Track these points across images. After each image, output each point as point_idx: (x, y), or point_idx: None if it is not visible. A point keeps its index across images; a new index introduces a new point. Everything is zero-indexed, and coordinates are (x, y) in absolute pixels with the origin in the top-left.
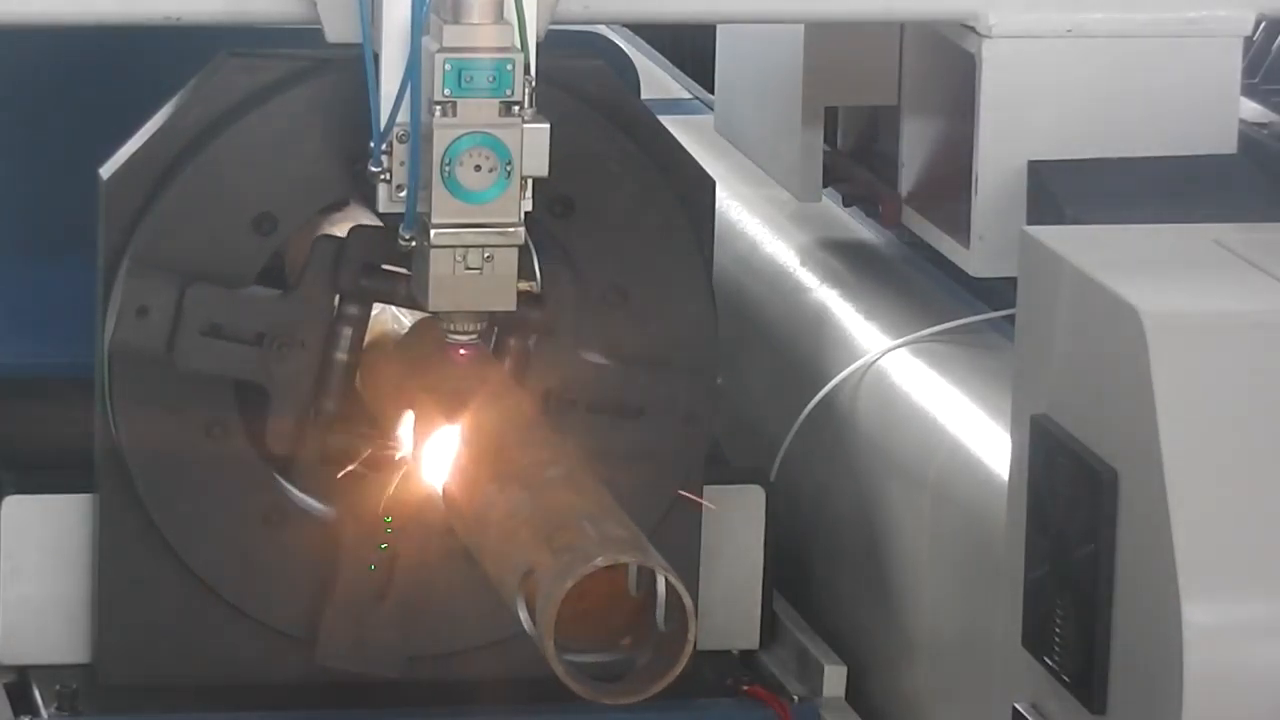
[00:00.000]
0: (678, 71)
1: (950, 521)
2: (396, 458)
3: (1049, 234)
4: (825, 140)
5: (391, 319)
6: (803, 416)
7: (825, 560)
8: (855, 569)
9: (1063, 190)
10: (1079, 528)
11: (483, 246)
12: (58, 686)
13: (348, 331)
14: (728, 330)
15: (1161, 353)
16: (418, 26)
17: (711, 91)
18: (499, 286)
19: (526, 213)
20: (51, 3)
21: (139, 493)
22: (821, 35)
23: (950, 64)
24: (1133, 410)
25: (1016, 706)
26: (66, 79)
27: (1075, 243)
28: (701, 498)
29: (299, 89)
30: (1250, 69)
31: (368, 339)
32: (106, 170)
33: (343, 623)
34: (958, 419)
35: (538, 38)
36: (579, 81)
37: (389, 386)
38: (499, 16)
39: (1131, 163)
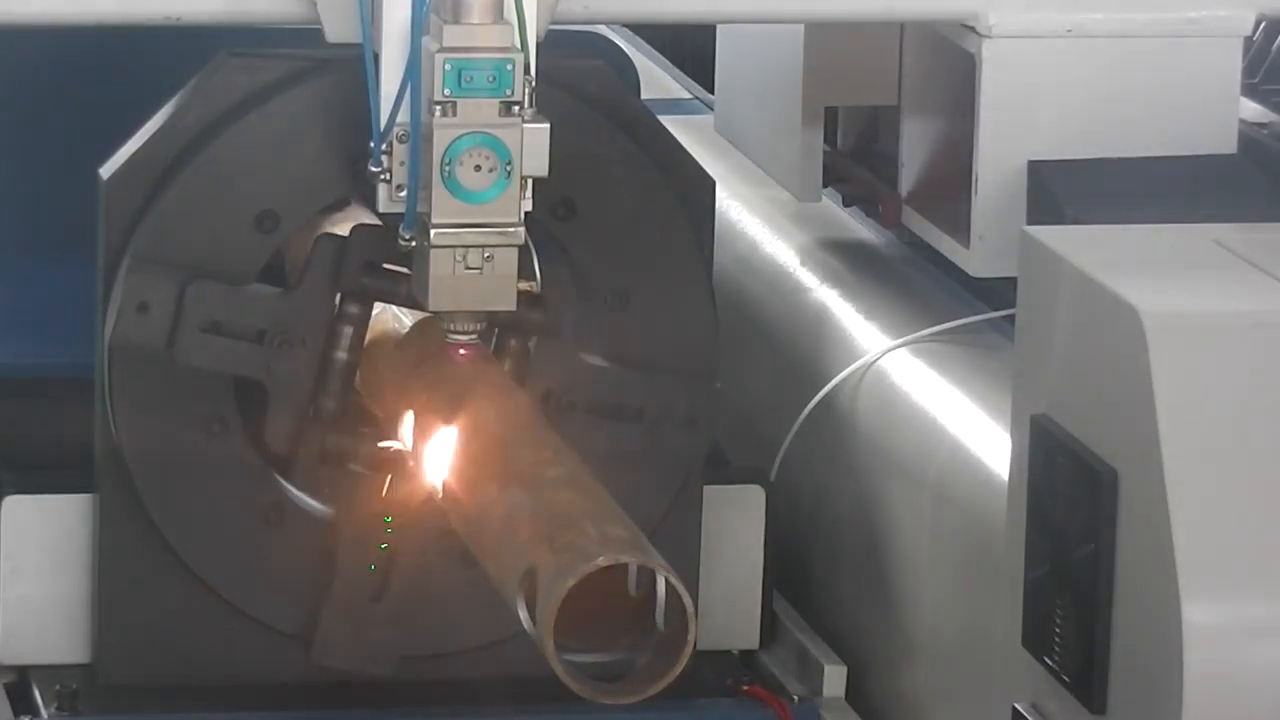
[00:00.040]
0: (678, 71)
1: (950, 521)
2: (395, 457)
3: (1049, 234)
4: (825, 140)
5: (392, 318)
6: (803, 416)
7: (825, 560)
8: (855, 569)
9: (1063, 190)
10: (1079, 528)
11: (483, 246)
12: (58, 686)
13: (348, 330)
14: (728, 330)
15: (1161, 353)
16: (418, 26)
17: (711, 91)
18: (499, 286)
19: (526, 213)
20: (51, 3)
21: (138, 492)
22: (821, 35)
23: (950, 64)
24: (1133, 410)
25: (1016, 706)
26: (66, 79)
27: (1075, 243)
28: (701, 500)
29: (299, 89)
30: (1250, 69)
31: (368, 338)
32: (106, 170)
33: (339, 622)
34: (958, 419)
35: (538, 38)
36: (579, 81)
37: (389, 386)
38: (499, 16)
39: (1131, 163)
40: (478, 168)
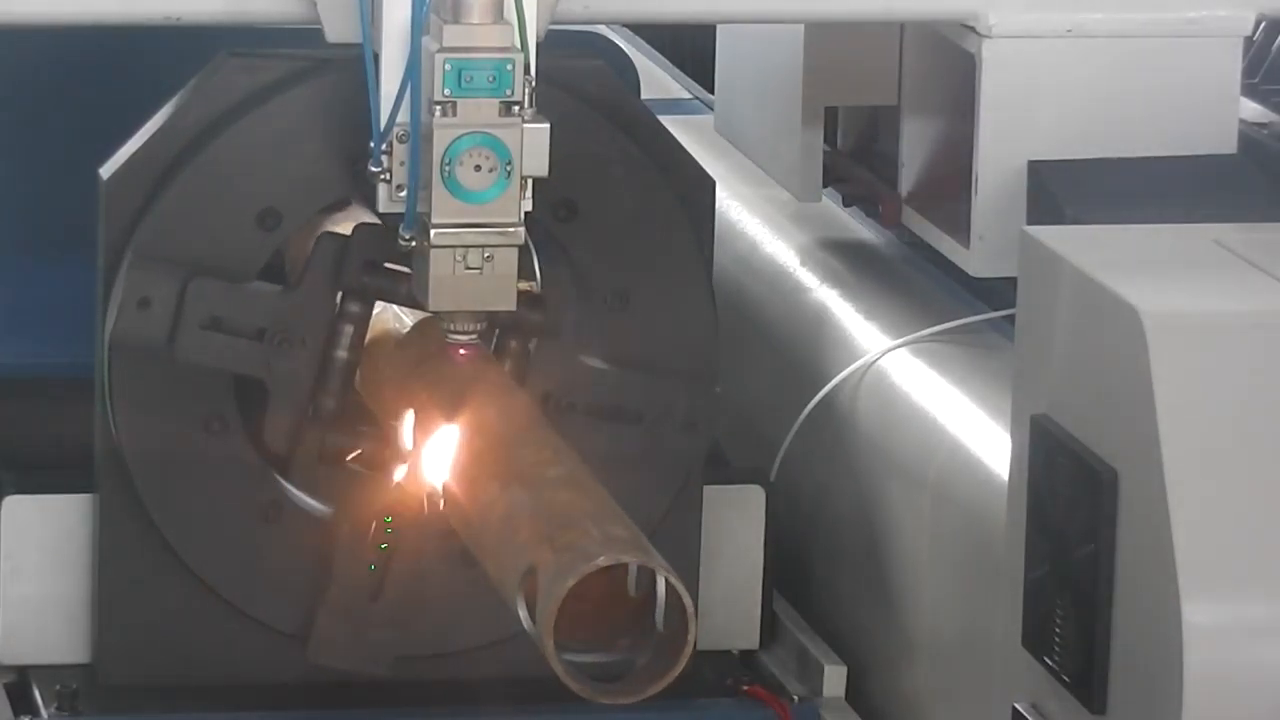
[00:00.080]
0: (678, 71)
1: (950, 521)
2: (394, 457)
3: (1049, 234)
4: (825, 140)
5: (393, 318)
6: (803, 416)
7: (825, 560)
8: (855, 569)
9: (1063, 190)
10: (1079, 528)
11: (483, 246)
12: (58, 686)
13: (349, 329)
14: (728, 330)
15: (1161, 353)
16: (418, 26)
17: (711, 91)
18: (499, 286)
19: (527, 213)
20: (51, 3)
21: (138, 491)
22: (821, 35)
23: (950, 64)
24: (1133, 410)
25: (1016, 706)
26: (66, 79)
27: (1075, 243)
28: (701, 500)
29: (299, 89)
30: (1250, 69)
31: (368, 337)
32: (106, 170)
33: (335, 621)
34: (958, 419)
35: (538, 38)
36: (579, 81)
37: (389, 385)
38: (499, 16)
39: (1131, 163)
40: (478, 168)
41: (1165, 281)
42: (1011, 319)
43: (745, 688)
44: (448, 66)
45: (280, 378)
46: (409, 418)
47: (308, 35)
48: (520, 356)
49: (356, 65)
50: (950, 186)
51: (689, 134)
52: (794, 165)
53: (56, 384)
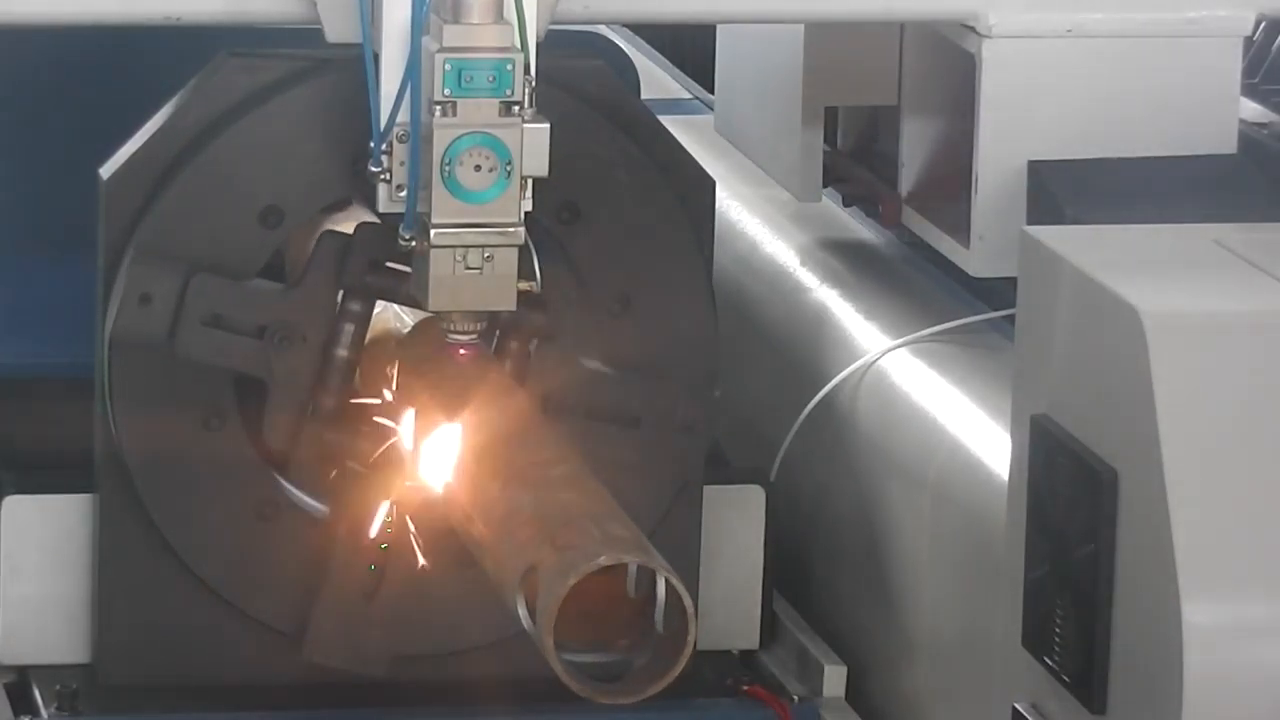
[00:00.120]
0: (678, 71)
1: (950, 521)
2: (394, 456)
3: (1049, 234)
4: (825, 140)
5: (394, 317)
6: (803, 416)
7: (825, 560)
8: (855, 569)
9: (1063, 190)
10: (1079, 528)
11: (483, 246)
12: (58, 686)
13: (349, 328)
14: (728, 330)
15: (1161, 353)
16: (418, 26)
17: (711, 91)
18: (499, 286)
19: (527, 213)
20: (51, 3)
21: (137, 488)
22: (821, 35)
23: (950, 64)
24: (1133, 410)
25: (1016, 706)
26: (66, 79)
27: (1075, 243)
28: (701, 500)
29: (299, 89)
30: (1250, 69)
31: (369, 336)
32: (106, 170)
33: (331, 620)
34: (958, 419)
35: (538, 38)
36: (579, 81)
37: (389, 384)
38: (499, 16)
39: (1131, 163)
40: (478, 168)
41: (1165, 281)
42: (1011, 319)
43: (745, 688)
44: (448, 66)
45: (280, 376)
46: (409, 417)
47: (308, 35)
48: (520, 358)
49: (356, 65)
50: (950, 186)
51: (689, 134)
52: (794, 165)
53: (56, 384)
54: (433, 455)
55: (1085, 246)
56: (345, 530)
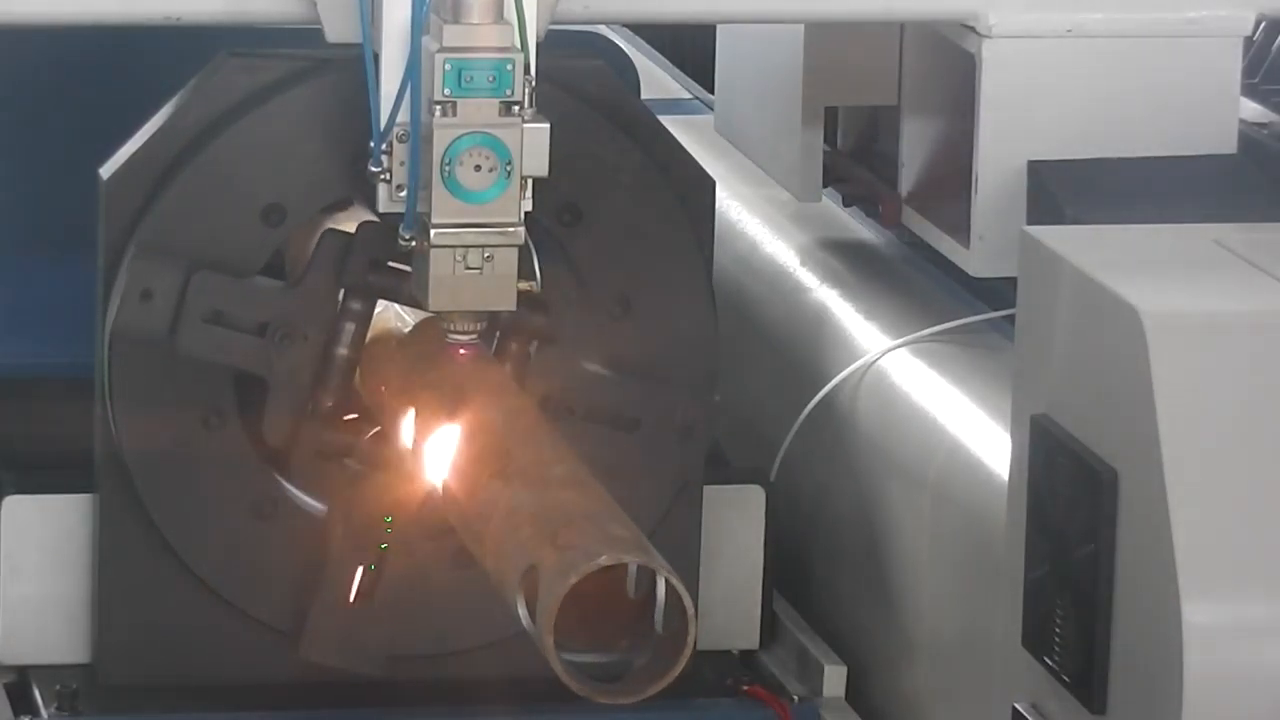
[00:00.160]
0: (678, 71)
1: (950, 521)
2: (393, 455)
3: (1049, 234)
4: (825, 140)
5: (394, 316)
6: (803, 416)
7: (825, 560)
8: (855, 569)
9: (1063, 190)
10: (1079, 528)
11: (483, 246)
12: (58, 686)
13: (350, 327)
14: (728, 330)
15: (1161, 353)
16: (418, 26)
17: (711, 91)
18: (499, 286)
19: (527, 214)
20: (51, 3)
21: (136, 487)
22: (821, 35)
23: (950, 64)
24: (1133, 410)
25: (1016, 706)
26: (66, 79)
27: (1075, 243)
28: (701, 500)
29: (299, 89)
30: (1250, 69)
31: (369, 336)
32: (106, 170)
33: (329, 619)
34: (958, 419)
35: (538, 38)
36: (579, 81)
37: (390, 383)
38: (499, 16)
39: (1131, 163)
40: (478, 168)
41: (1165, 281)
42: (1011, 319)
43: (745, 688)
44: (448, 66)
45: (281, 373)
46: (409, 416)
47: (308, 35)
48: (520, 360)
49: (356, 65)
50: (950, 186)
51: (689, 134)
52: (794, 165)
53: (56, 384)
54: (432, 455)
55: (1085, 246)
56: (343, 529)
